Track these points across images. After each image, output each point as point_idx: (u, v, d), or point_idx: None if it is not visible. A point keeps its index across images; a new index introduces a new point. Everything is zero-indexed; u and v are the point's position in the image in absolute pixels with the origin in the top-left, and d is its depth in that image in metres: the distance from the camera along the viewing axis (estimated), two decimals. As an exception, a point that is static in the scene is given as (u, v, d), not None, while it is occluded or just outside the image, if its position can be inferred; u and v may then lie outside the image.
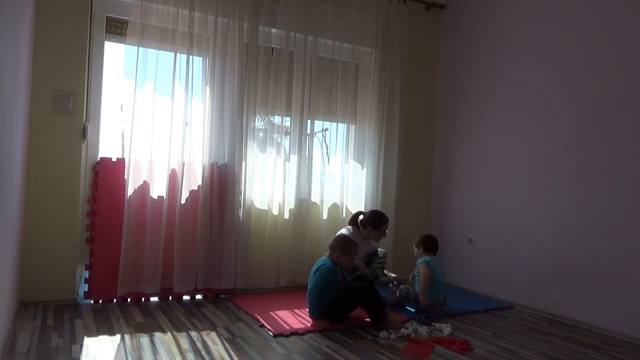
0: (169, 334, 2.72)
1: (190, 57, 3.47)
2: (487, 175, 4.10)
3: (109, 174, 3.32)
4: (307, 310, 3.09)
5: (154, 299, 3.44)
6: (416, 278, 3.46)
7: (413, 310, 3.39)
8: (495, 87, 4.06)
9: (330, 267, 3.04)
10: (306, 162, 3.96)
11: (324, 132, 4.21)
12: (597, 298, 3.19)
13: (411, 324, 3.00)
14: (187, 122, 3.49)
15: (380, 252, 3.64)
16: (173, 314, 3.12)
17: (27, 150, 3.07)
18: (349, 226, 3.64)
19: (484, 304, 3.68)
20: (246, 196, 3.69)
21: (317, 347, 2.62)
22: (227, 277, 3.54)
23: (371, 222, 3.54)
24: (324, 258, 3.15)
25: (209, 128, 3.56)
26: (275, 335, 2.76)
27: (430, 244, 3.56)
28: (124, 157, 3.39)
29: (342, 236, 3.23)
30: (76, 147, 3.25)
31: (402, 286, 3.50)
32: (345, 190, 4.15)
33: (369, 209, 4.01)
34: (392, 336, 2.81)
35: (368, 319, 3.04)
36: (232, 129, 3.59)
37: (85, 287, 3.27)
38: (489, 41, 4.14)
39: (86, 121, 3.32)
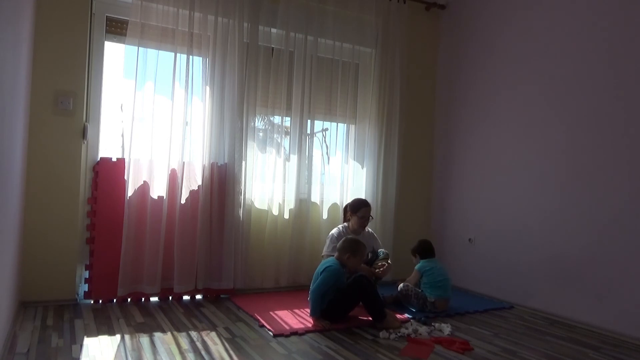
0: (169, 334, 2.72)
1: (190, 57, 3.47)
2: (487, 175, 4.10)
3: (109, 174, 3.32)
4: (308, 310, 3.10)
5: (154, 299, 3.44)
6: (421, 280, 3.49)
7: (414, 310, 3.39)
8: (495, 87, 4.06)
9: (336, 269, 3.04)
10: (306, 162, 3.96)
11: (324, 132, 4.21)
12: (597, 298, 3.18)
13: (411, 324, 3.00)
14: (187, 122, 3.49)
15: (382, 253, 3.63)
16: (173, 314, 3.12)
17: (27, 150, 3.07)
18: (340, 226, 3.68)
19: (484, 304, 3.69)
20: (246, 196, 3.69)
21: (317, 347, 2.62)
22: (227, 277, 3.54)
23: (350, 208, 3.65)
24: (331, 259, 3.14)
25: (209, 128, 3.56)
26: (275, 335, 2.76)
27: (425, 250, 3.60)
28: (124, 157, 3.39)
29: (352, 238, 3.21)
30: (76, 147, 3.24)
31: (401, 285, 3.51)
32: (345, 190, 4.15)
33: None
34: (392, 336, 2.81)
35: (369, 318, 3.04)
36: (232, 129, 3.59)
37: (85, 287, 3.27)
38: (489, 41, 4.14)
39: (86, 121, 3.32)
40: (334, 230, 3.63)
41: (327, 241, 3.60)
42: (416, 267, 3.57)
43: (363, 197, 4.01)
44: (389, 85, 4.25)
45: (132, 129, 3.32)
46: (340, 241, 3.21)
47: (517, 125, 3.84)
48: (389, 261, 3.53)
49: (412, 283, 3.51)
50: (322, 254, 3.58)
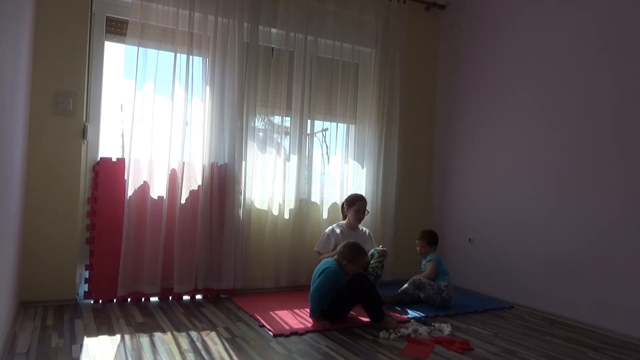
0: (169, 334, 2.72)
1: (190, 57, 3.47)
2: (487, 175, 4.10)
3: (109, 174, 3.32)
4: (308, 310, 3.10)
5: (154, 299, 3.44)
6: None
7: (427, 300, 3.52)
8: (495, 88, 4.06)
9: (335, 270, 3.03)
10: (306, 162, 3.96)
11: (324, 132, 4.21)
12: (597, 298, 3.19)
13: (411, 324, 3.00)
14: (187, 122, 3.49)
15: (377, 253, 3.63)
16: (173, 314, 3.12)
17: (27, 150, 3.07)
18: (337, 223, 3.76)
19: (484, 304, 3.69)
20: (246, 196, 3.69)
21: (317, 347, 2.62)
22: (227, 277, 3.54)
23: (347, 203, 3.77)
24: (330, 260, 3.13)
25: (209, 128, 3.56)
26: (275, 335, 2.76)
27: (436, 240, 3.78)
28: (124, 157, 3.39)
29: (353, 245, 3.17)
30: (76, 147, 3.24)
31: (415, 277, 3.61)
32: (345, 190, 4.15)
33: (368, 208, 4.02)
34: (392, 336, 2.81)
35: (367, 319, 3.03)
36: (232, 129, 3.59)
37: (85, 287, 3.27)
38: (489, 41, 4.14)
39: (86, 121, 3.32)
40: (328, 229, 3.69)
41: (320, 238, 3.69)
42: (431, 258, 3.69)
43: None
44: (389, 85, 4.25)
45: (132, 129, 3.32)
46: (342, 245, 3.19)
47: (517, 125, 3.84)
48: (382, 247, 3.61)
49: (433, 276, 3.61)
50: (315, 249, 3.69)
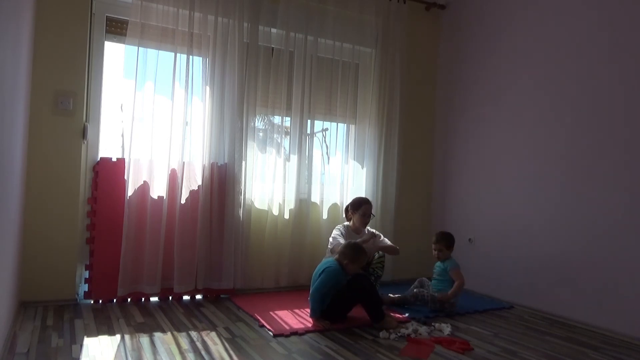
0: (169, 334, 2.72)
1: (190, 57, 3.47)
2: (487, 175, 4.10)
3: (109, 174, 3.32)
4: (308, 310, 3.10)
5: (154, 299, 3.44)
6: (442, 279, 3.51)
7: (430, 310, 3.40)
8: (495, 88, 4.06)
9: (335, 269, 3.03)
10: (306, 162, 3.96)
11: (324, 132, 4.21)
12: (597, 298, 3.19)
13: (411, 324, 3.00)
14: (187, 122, 3.49)
15: (377, 254, 3.63)
16: (173, 314, 3.12)
17: (27, 150, 3.07)
18: (342, 224, 3.69)
19: (484, 304, 3.69)
20: (246, 196, 3.69)
21: (317, 347, 2.62)
22: (227, 277, 3.55)
23: (351, 206, 3.68)
24: (330, 260, 3.13)
25: (209, 128, 3.56)
26: (275, 335, 2.76)
27: (454, 243, 3.61)
28: (124, 157, 3.39)
29: (354, 245, 3.16)
30: (76, 147, 3.24)
31: (415, 289, 3.52)
32: (346, 190, 4.15)
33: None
34: (392, 336, 2.81)
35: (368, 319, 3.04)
36: (232, 129, 3.59)
37: (85, 287, 3.27)
38: (489, 41, 4.14)
39: (86, 121, 3.32)
40: (336, 232, 3.58)
41: (331, 239, 3.53)
42: (455, 266, 3.48)
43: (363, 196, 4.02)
44: (389, 85, 4.25)
45: (132, 129, 3.32)
46: (342, 245, 3.19)
47: (517, 125, 3.83)
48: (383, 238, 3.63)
49: (464, 281, 3.43)
50: (329, 247, 3.52)
